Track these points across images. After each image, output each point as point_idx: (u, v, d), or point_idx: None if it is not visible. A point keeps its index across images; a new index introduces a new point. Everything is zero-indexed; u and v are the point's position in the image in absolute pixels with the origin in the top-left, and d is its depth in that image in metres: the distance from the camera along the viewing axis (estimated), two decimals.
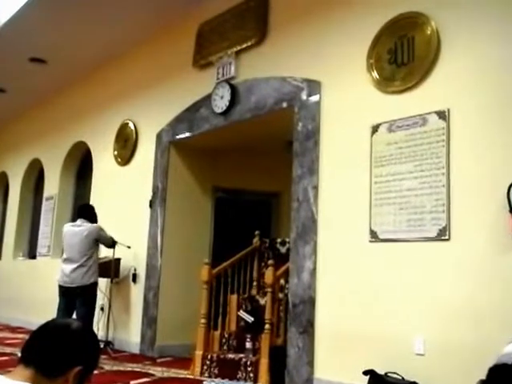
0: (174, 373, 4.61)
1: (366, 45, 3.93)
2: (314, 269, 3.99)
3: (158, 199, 5.77)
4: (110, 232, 5.42)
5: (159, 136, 5.95)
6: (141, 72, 6.44)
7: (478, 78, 3.31)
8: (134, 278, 5.91)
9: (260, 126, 5.07)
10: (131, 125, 6.43)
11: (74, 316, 4.88)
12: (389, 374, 3.34)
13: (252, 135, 5.39)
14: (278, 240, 5.43)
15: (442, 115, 3.41)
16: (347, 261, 3.81)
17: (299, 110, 4.35)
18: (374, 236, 3.68)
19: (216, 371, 4.41)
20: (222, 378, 4.31)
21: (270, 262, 4.38)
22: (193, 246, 5.82)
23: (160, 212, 5.72)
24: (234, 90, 4.96)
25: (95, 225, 5.15)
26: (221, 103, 5.08)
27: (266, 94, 4.68)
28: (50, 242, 7.82)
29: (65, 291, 4.93)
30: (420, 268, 3.40)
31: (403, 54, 3.71)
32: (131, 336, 5.81)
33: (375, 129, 3.78)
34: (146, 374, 4.47)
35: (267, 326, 4.19)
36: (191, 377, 4.45)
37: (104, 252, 5.74)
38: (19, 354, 1.28)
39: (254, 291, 5.26)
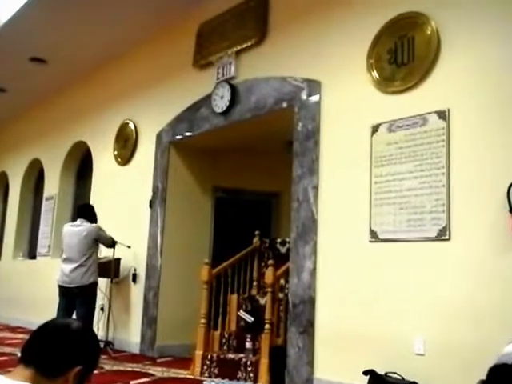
0: (174, 373, 4.61)
1: (365, 45, 3.93)
2: (314, 269, 3.99)
3: (158, 199, 5.77)
4: (110, 232, 5.42)
5: (159, 136, 5.95)
6: (141, 72, 6.43)
7: (478, 78, 3.31)
8: (134, 277, 5.91)
9: (260, 126, 5.07)
10: (131, 125, 6.43)
11: (74, 316, 4.89)
12: (389, 374, 3.34)
13: (252, 135, 5.38)
14: (278, 240, 5.43)
15: (442, 115, 3.41)
16: (347, 261, 3.81)
17: (299, 109, 4.34)
18: (374, 236, 3.68)
19: (216, 371, 4.41)
20: (222, 378, 4.31)
21: (270, 261, 4.38)
22: (193, 246, 5.82)
23: (160, 212, 5.72)
24: (234, 90, 4.96)
25: (94, 225, 5.15)
26: (221, 103, 5.08)
27: (266, 93, 4.68)
28: (49, 241, 7.82)
29: (64, 291, 4.93)
30: (420, 268, 3.40)
31: (403, 54, 3.71)
32: (131, 336, 5.81)
33: (375, 129, 3.78)
34: (146, 374, 4.47)
35: (267, 326, 4.19)
36: (191, 377, 4.45)
37: (104, 252, 5.74)
38: (19, 354, 1.28)
39: (254, 291, 5.26)
